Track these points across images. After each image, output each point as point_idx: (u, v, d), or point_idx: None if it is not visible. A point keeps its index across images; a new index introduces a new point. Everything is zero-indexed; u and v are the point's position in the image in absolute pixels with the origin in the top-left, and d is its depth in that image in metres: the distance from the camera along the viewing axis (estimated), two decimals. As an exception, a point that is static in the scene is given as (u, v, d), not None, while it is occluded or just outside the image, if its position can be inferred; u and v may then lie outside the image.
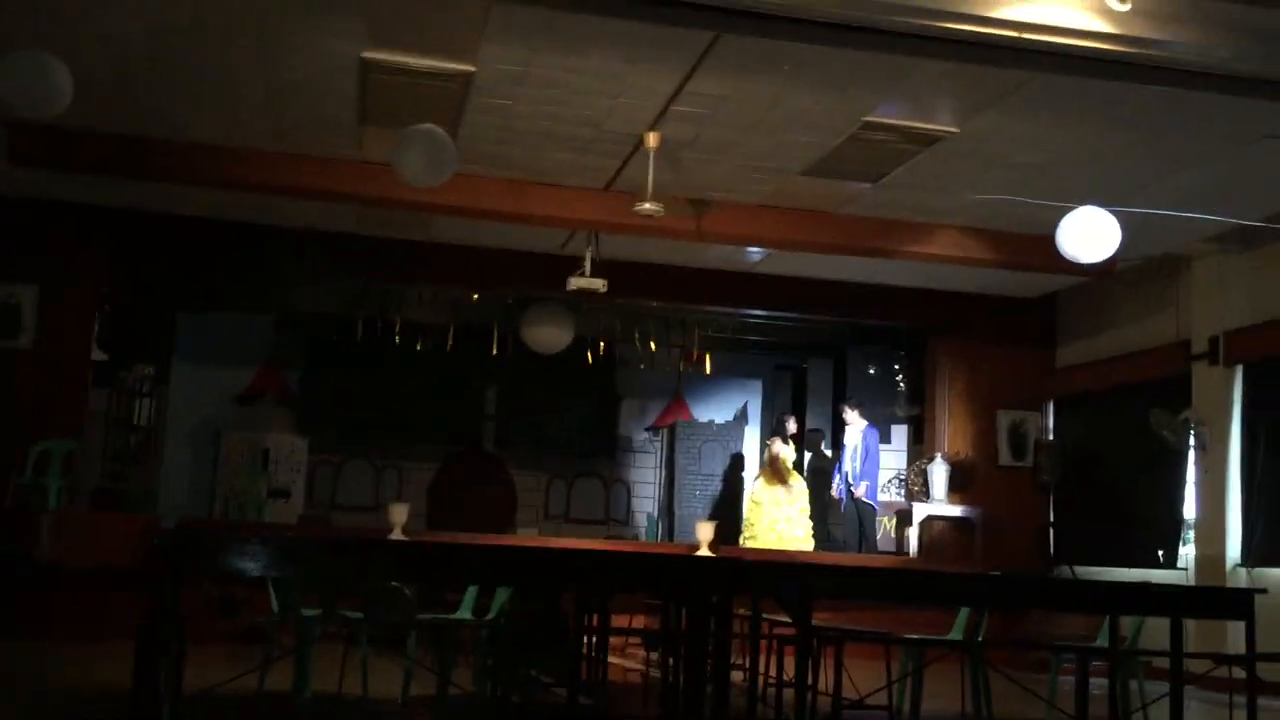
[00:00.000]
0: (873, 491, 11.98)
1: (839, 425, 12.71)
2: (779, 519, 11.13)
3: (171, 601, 4.61)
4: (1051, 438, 11.88)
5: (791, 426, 12.30)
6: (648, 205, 7.81)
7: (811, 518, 11.49)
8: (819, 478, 12.41)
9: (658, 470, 14.62)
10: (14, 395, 9.78)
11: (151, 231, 10.34)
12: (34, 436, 9.55)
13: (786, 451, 11.52)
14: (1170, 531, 10.09)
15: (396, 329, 12.44)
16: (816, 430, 13.40)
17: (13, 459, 9.48)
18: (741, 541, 11.33)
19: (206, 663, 5.16)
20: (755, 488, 11.66)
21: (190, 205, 9.87)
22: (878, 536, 12.08)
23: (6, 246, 9.98)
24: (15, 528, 8.74)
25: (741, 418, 14.93)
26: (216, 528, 10.13)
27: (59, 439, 9.70)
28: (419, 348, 12.61)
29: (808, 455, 12.75)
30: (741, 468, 14.09)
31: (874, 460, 12.04)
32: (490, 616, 5.93)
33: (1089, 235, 6.96)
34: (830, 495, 12.26)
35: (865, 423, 12.11)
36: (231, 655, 5.91)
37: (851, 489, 11.89)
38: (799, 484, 11.48)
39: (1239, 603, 5.37)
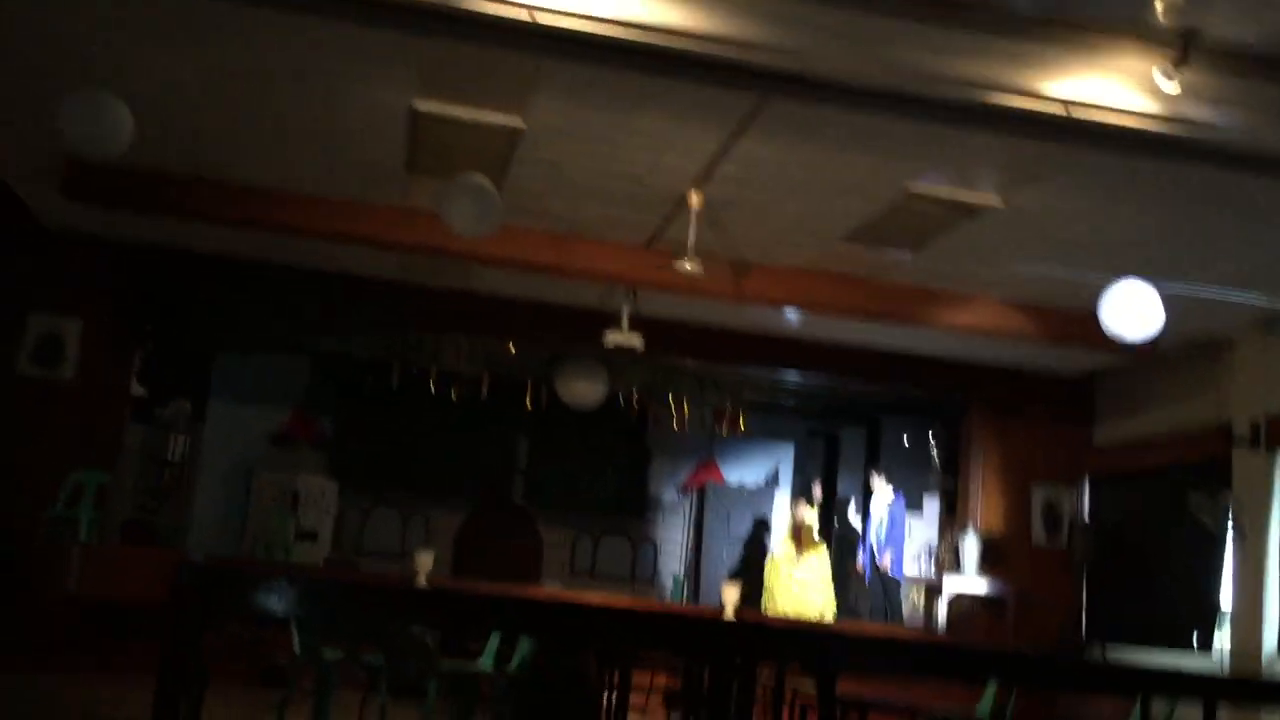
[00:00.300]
0: (898, 563, 11.83)
1: (869, 494, 12.61)
2: (795, 582, 11.01)
3: (194, 637, 4.60)
4: (1087, 516, 11.71)
5: (818, 493, 12.21)
6: (687, 264, 7.83)
7: (835, 586, 11.36)
8: (844, 546, 12.29)
9: (685, 531, 14.53)
10: (53, 426, 9.89)
11: (195, 271, 10.46)
12: (69, 468, 9.64)
13: (810, 516, 11.43)
14: (1205, 616, 9.88)
15: (432, 377, 12.50)
16: (844, 498, 13.32)
17: (47, 489, 9.56)
18: (763, 604, 11.22)
19: (226, 703, 5.14)
20: (777, 550, 11.56)
21: (235, 246, 10.00)
22: (903, 610, 11.90)
23: (54, 279, 10.13)
24: (46, 559, 8.78)
25: (772, 482, 14.85)
26: (243, 566, 10.14)
27: (93, 470, 9.78)
28: (453, 397, 12.66)
29: (835, 523, 12.65)
30: (767, 532, 13.98)
31: (900, 531, 11.91)
32: (512, 668, 5.88)
33: (1132, 311, 6.90)
34: (854, 565, 12.13)
35: (892, 493, 12.01)
36: (251, 699, 5.89)
37: (876, 560, 11.75)
38: (820, 550, 11.37)
39: (1276, 691, 5.23)
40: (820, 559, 11.25)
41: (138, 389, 10.96)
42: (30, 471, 9.67)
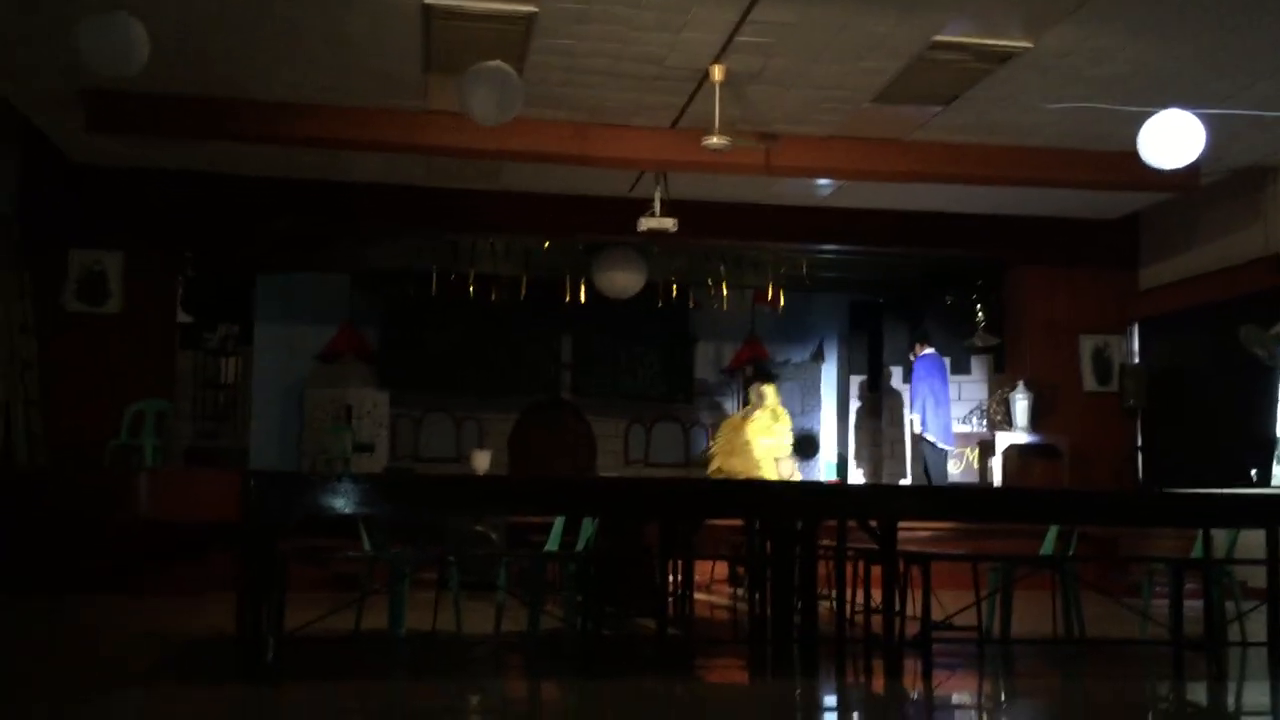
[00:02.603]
0: (940, 427, 11.73)
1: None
2: (758, 446, 11.05)
3: (269, 542, 4.74)
4: (1137, 361, 11.65)
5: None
6: (715, 140, 7.75)
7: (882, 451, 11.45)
8: (890, 414, 12.38)
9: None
10: (105, 359, 10.08)
11: (227, 194, 10.51)
12: (126, 399, 9.84)
13: (770, 394, 11.39)
14: (1262, 451, 9.86)
15: (470, 281, 12.55)
16: (887, 367, 13.32)
17: (108, 421, 9.78)
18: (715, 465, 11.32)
19: (302, 608, 5.30)
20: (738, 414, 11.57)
21: (262, 165, 10.02)
22: (948, 471, 11.90)
23: (91, 215, 10.22)
24: (114, 487, 9.01)
25: (818, 357, 14.86)
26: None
27: (152, 399, 9.98)
28: (493, 299, 12.73)
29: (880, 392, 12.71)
30: (819, 405, 14.04)
31: (932, 389, 11.76)
32: (578, 550, 6.00)
33: (1171, 139, 6.76)
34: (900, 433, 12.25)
35: (930, 352, 11.90)
36: (327, 601, 6.07)
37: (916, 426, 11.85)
38: (781, 422, 11.34)
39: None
40: (780, 429, 11.21)
41: (184, 316, 11.10)
42: (89, 404, 9.90)
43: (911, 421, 11.96)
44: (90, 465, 9.52)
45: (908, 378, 12.64)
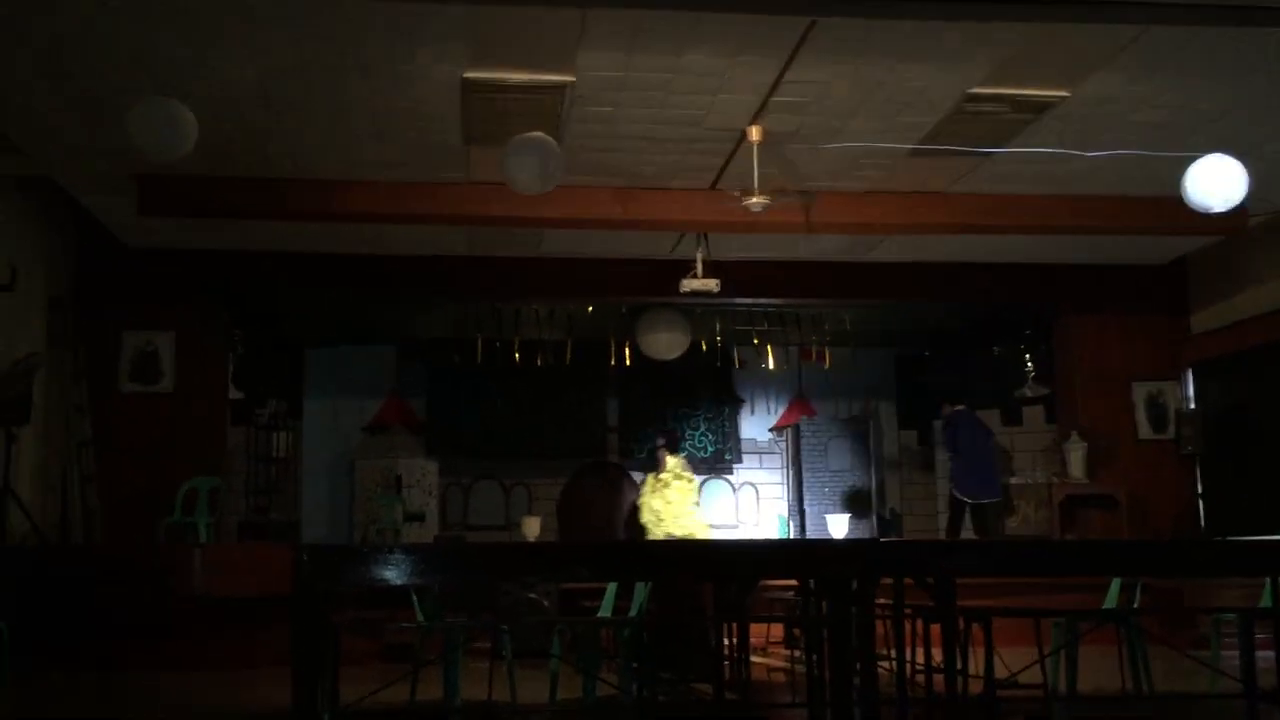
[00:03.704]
0: (972, 480, 11.60)
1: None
2: (664, 506, 10.85)
3: (321, 616, 4.74)
4: (1193, 406, 11.45)
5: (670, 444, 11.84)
6: (755, 199, 7.77)
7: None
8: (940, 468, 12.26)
9: (785, 470, 14.51)
10: (159, 437, 10.21)
11: (275, 271, 10.67)
12: (179, 476, 9.94)
13: (672, 461, 11.10)
14: (1329, 494, 9.64)
15: (515, 348, 12.62)
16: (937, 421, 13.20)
17: (162, 498, 9.88)
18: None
19: (355, 681, 5.28)
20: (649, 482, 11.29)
21: (309, 242, 10.18)
22: (960, 526, 11.73)
23: (142, 296, 10.41)
24: (169, 563, 9.07)
25: (866, 411, 14.75)
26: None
27: (204, 476, 10.07)
28: (538, 364, 12.77)
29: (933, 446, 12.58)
30: (870, 462, 13.90)
31: (961, 445, 11.69)
32: (632, 615, 5.94)
33: (1216, 181, 6.69)
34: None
35: (960, 408, 11.84)
36: (379, 674, 6.04)
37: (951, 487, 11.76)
38: (685, 485, 11.05)
39: None
40: (684, 490, 10.96)
41: (235, 392, 11.23)
42: (143, 482, 10.01)
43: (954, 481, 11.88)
44: (145, 542, 9.61)
45: (941, 438, 12.56)
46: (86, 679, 7.59)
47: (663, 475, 10.75)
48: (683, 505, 10.67)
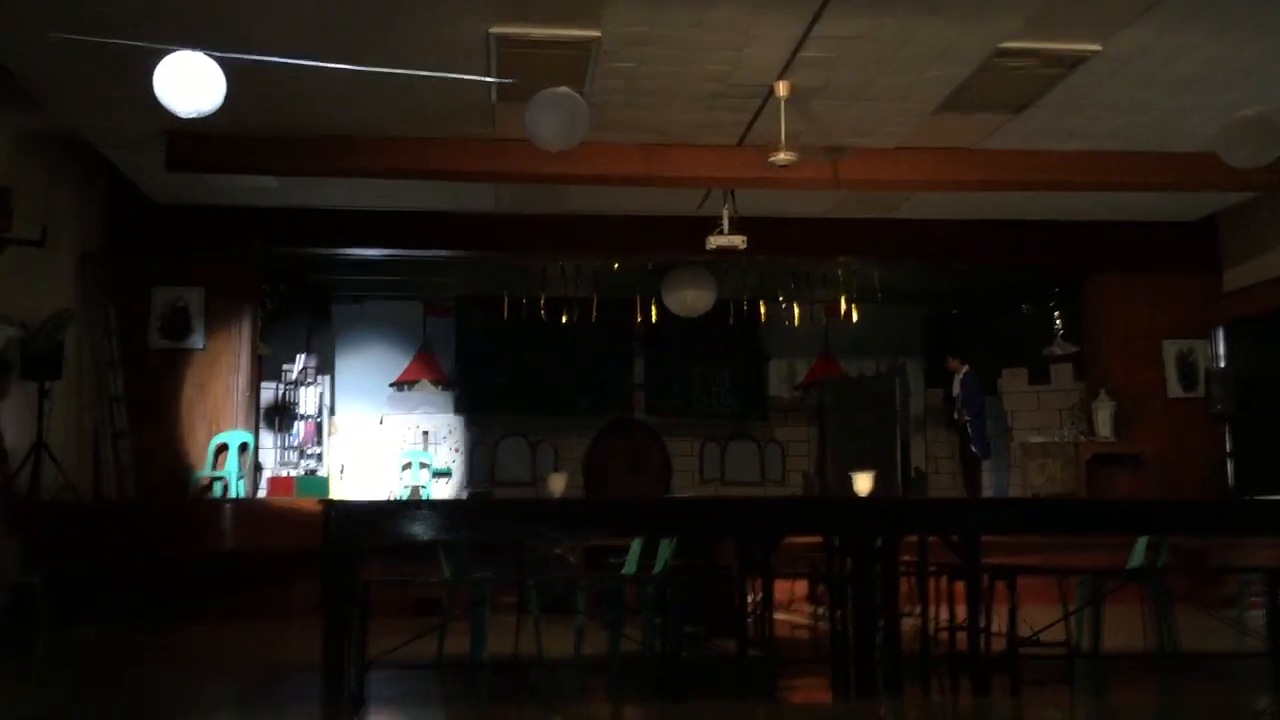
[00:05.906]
0: (982, 441, 11.83)
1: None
2: None
3: (351, 570, 4.80)
4: (1224, 365, 11.35)
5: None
6: (782, 155, 7.72)
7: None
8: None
9: (810, 427, 14.52)
10: (189, 393, 10.32)
11: (302, 227, 10.71)
12: (210, 431, 10.06)
13: None
14: (1360, 454, 9.55)
15: (541, 305, 12.64)
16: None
17: (193, 453, 10.00)
18: None
19: (385, 633, 5.36)
20: None
21: (336, 199, 10.20)
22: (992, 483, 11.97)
23: (172, 252, 10.48)
24: (200, 518, 9.20)
25: (893, 369, 14.70)
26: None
27: (234, 431, 10.19)
28: (564, 321, 12.79)
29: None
30: (894, 419, 13.87)
31: (971, 403, 11.93)
32: (656, 571, 5.98)
33: (1244, 136, 6.59)
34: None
35: (966, 370, 12.11)
36: (408, 628, 6.11)
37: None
38: None
39: None
40: None
41: (264, 349, 11.32)
42: (174, 437, 10.14)
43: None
44: (177, 496, 9.74)
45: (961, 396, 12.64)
46: (119, 632, 7.72)
47: None
48: None
